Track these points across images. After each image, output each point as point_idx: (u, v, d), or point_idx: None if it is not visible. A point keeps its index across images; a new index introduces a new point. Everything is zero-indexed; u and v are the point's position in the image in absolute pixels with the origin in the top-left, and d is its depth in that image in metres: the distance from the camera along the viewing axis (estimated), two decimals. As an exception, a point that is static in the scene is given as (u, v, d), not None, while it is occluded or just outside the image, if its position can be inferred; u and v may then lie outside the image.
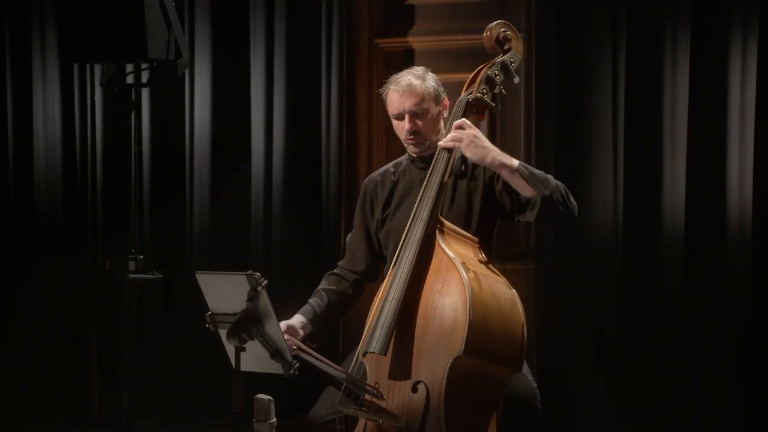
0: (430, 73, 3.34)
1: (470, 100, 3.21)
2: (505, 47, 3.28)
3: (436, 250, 3.04)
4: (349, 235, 3.55)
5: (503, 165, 3.09)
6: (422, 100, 3.25)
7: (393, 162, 3.49)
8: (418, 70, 3.33)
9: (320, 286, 3.48)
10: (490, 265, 3.09)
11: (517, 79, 3.29)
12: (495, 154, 3.08)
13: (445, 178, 3.14)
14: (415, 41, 4.98)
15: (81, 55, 4.42)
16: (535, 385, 3.18)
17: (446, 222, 3.11)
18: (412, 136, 3.29)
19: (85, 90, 5.17)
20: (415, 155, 3.35)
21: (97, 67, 5.02)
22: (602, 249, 4.54)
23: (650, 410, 4.50)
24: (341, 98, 4.92)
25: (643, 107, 4.49)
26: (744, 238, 4.36)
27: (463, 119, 3.15)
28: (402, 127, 3.30)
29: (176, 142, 5.15)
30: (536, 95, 4.66)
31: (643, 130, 4.50)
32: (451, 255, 3.00)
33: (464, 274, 2.92)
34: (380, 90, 3.37)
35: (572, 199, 3.16)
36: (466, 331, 2.85)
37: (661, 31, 4.45)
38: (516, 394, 3.06)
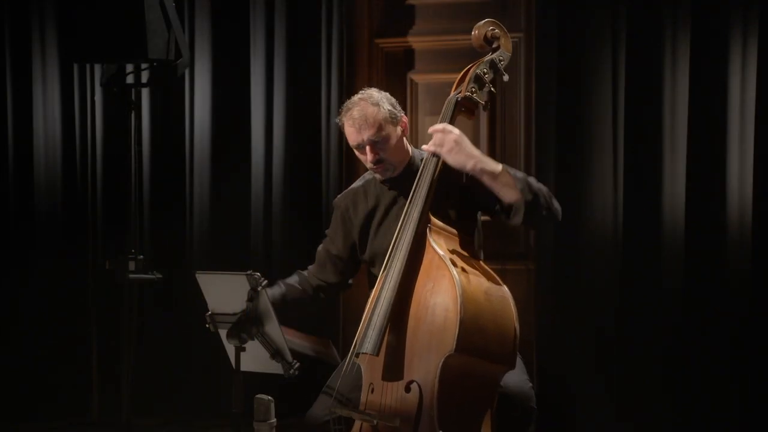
0: (383, 94, 3.30)
1: (459, 98, 3.20)
2: (494, 45, 3.27)
3: (427, 249, 3.04)
4: (320, 247, 3.52)
5: (484, 171, 3.06)
6: (379, 128, 3.23)
7: (362, 180, 3.47)
8: (372, 94, 3.29)
9: (285, 279, 3.47)
10: (481, 263, 3.10)
11: (506, 77, 3.27)
12: (476, 161, 3.06)
13: (434, 179, 3.14)
14: (415, 41, 4.98)
15: (81, 55, 4.42)
16: (530, 384, 3.18)
17: (436, 221, 3.11)
18: (375, 165, 3.28)
19: (85, 90, 5.17)
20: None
21: (97, 67, 5.01)
22: (602, 249, 4.54)
23: (650, 410, 4.50)
24: (341, 98, 4.91)
25: (643, 107, 4.49)
26: (744, 238, 4.36)
27: (444, 124, 3.12)
28: (365, 158, 3.29)
29: (176, 142, 5.14)
30: (536, 95, 4.66)
31: (643, 130, 4.50)
32: (442, 254, 3.00)
33: (455, 272, 2.93)
34: (337, 119, 3.35)
35: (555, 203, 3.16)
36: (457, 329, 2.85)
37: (661, 31, 4.44)
38: (510, 394, 3.06)
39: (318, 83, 4.94)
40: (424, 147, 3.15)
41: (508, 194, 3.06)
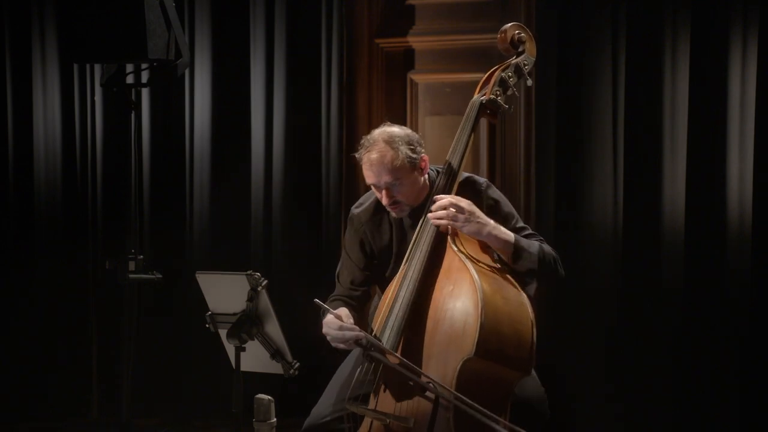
0: (404, 134, 3.21)
1: (484, 101, 3.20)
2: (519, 49, 3.28)
3: (447, 251, 3.04)
4: (339, 268, 3.44)
5: (498, 238, 3.07)
6: (397, 175, 3.17)
7: (376, 199, 3.36)
8: (393, 135, 3.20)
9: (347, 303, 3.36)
10: (501, 267, 3.09)
11: (530, 82, 3.28)
12: (490, 228, 3.07)
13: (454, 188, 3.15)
14: (415, 41, 4.98)
15: (81, 55, 4.41)
16: (543, 389, 3.18)
17: None
18: (391, 206, 3.24)
19: (85, 90, 5.17)
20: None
21: (97, 67, 5.01)
22: (602, 249, 4.54)
23: (650, 410, 4.50)
24: (341, 98, 4.92)
25: (643, 107, 4.49)
26: (744, 238, 4.36)
27: (450, 198, 3.07)
28: (380, 196, 3.25)
29: (176, 142, 5.14)
30: (536, 95, 4.66)
31: (643, 130, 4.50)
32: (463, 256, 3.00)
33: (476, 276, 2.92)
34: (356, 153, 3.26)
35: (561, 269, 3.17)
36: (477, 334, 2.85)
37: (661, 31, 4.45)
38: (525, 398, 3.06)
39: (318, 83, 4.94)
40: (434, 222, 3.07)
41: (519, 264, 3.08)
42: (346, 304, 3.33)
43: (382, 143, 3.18)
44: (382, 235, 3.35)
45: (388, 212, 3.33)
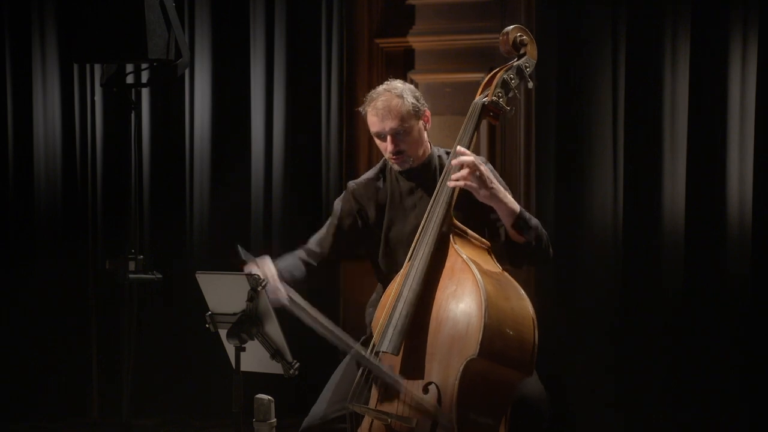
0: (408, 86, 3.33)
1: (486, 103, 3.21)
2: (521, 52, 3.28)
3: (450, 251, 3.04)
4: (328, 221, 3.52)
5: (506, 206, 3.09)
6: (402, 120, 3.25)
7: (376, 169, 3.46)
8: (397, 86, 3.31)
9: (301, 256, 3.44)
10: (501, 269, 3.10)
11: (531, 84, 3.28)
12: (501, 195, 3.08)
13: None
14: (415, 41, 4.98)
15: (81, 55, 4.42)
16: (543, 388, 3.18)
17: (459, 224, 3.11)
18: (395, 156, 3.30)
19: (85, 90, 5.17)
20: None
21: (97, 67, 5.02)
22: (602, 249, 4.54)
23: (651, 410, 4.50)
24: (341, 98, 4.92)
25: (643, 107, 4.49)
26: (744, 238, 4.36)
27: (473, 158, 3.08)
28: (384, 147, 3.31)
29: (176, 142, 5.15)
30: (536, 96, 4.66)
31: (643, 130, 4.50)
32: (465, 257, 3.00)
33: (479, 276, 2.92)
34: (360, 108, 3.36)
35: (551, 250, 3.23)
36: (480, 334, 2.84)
37: (661, 31, 4.45)
38: (527, 397, 3.06)
39: (318, 83, 4.94)
40: (449, 183, 3.08)
41: (518, 235, 3.11)
42: (300, 259, 3.40)
43: (387, 93, 3.29)
44: (378, 200, 3.40)
45: (386, 178, 3.39)
